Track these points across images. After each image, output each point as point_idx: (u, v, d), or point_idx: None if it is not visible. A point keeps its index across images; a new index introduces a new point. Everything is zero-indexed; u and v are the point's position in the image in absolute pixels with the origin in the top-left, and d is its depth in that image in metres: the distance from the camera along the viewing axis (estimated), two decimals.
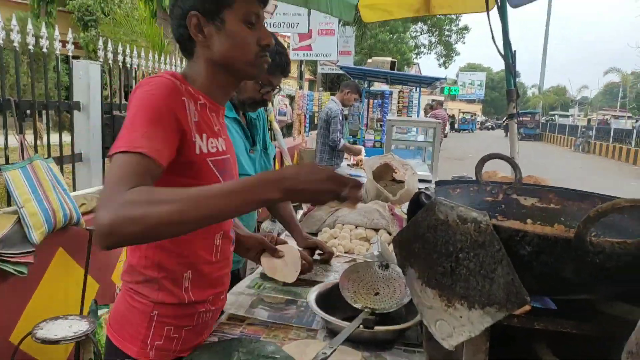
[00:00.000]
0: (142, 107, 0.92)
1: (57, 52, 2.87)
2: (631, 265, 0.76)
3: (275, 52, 1.62)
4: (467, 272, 0.83)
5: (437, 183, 1.26)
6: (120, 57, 3.45)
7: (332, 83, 19.17)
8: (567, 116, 37.59)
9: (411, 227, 0.97)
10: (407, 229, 0.99)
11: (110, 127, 3.45)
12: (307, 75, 18.10)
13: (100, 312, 2.51)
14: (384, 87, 9.89)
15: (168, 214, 0.76)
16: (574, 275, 0.79)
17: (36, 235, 2.27)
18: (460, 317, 0.85)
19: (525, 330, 0.91)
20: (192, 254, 1.07)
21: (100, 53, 3.25)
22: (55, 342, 2.04)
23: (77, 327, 2.15)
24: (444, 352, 0.96)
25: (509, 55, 2.14)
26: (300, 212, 2.37)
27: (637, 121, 27.70)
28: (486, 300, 0.81)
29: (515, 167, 1.25)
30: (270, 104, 7.41)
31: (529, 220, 1.18)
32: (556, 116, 37.91)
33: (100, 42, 3.27)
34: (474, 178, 1.25)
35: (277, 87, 1.72)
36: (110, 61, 3.37)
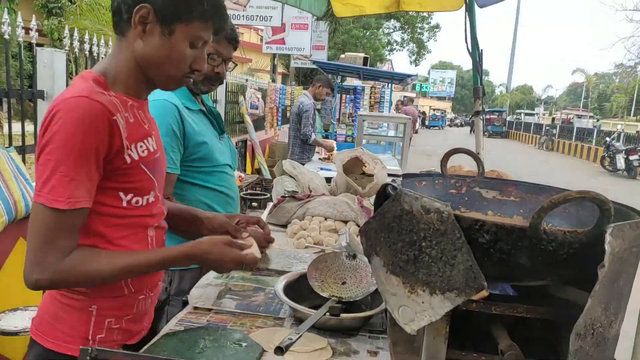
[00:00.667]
0: (71, 147, 0.90)
1: (20, 39, 2.77)
2: (581, 252, 0.81)
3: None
4: (429, 260, 0.86)
5: (404, 176, 1.29)
6: (87, 46, 3.36)
7: (305, 77, 19.11)
8: (533, 115, 38.72)
9: (377, 217, 0.99)
10: (373, 219, 1.01)
11: None
12: (280, 69, 18.00)
13: None
14: (357, 82, 9.94)
15: (100, 280, 1.00)
16: (529, 262, 0.83)
17: None
18: (422, 302, 0.88)
19: (483, 315, 0.96)
20: (127, 248, 1.06)
21: (66, 41, 3.15)
22: (14, 333, 1.99)
23: None
24: (406, 336, 0.99)
25: (476, 53, 2.20)
26: (270, 205, 2.37)
27: (597, 121, 28.83)
28: (447, 286, 0.84)
29: (478, 161, 1.30)
30: (242, 97, 7.35)
31: (489, 212, 1.23)
32: (522, 114, 38.99)
33: (66, 30, 3.17)
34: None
35: (230, 60, 1.67)
36: (76, 50, 3.27)
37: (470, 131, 30.95)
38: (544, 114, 39.17)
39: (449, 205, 0.85)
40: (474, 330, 1.02)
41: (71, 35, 3.19)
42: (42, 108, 3.14)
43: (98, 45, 3.47)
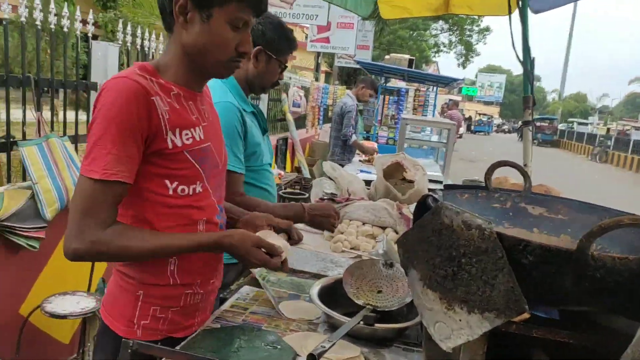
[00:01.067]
0: (109, 121, 0.96)
1: (78, 31, 2.90)
2: (631, 281, 0.77)
3: (289, 31, 1.69)
4: (468, 277, 0.84)
5: (446, 187, 1.27)
6: (138, 40, 3.48)
7: (348, 77, 19.08)
8: (586, 124, 37.02)
9: (416, 230, 0.98)
10: (412, 231, 1.00)
11: None
12: (324, 68, 18.05)
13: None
14: (401, 84, 9.82)
15: (132, 257, 1.05)
16: (574, 287, 0.80)
17: (49, 212, 2.32)
18: (460, 320, 0.86)
19: (523, 337, 0.92)
20: None
21: (120, 35, 3.28)
22: (63, 316, 2.09)
23: (84, 303, 2.20)
24: (442, 353, 0.97)
25: (527, 61, 2.12)
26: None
27: None
28: (486, 306, 0.82)
29: (525, 175, 1.25)
30: (284, 95, 7.42)
31: (535, 230, 1.19)
32: (575, 123, 37.37)
33: (120, 24, 3.30)
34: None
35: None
36: (128, 44, 3.40)
37: (519, 138, 29.97)
38: (598, 124, 37.39)
39: (492, 223, 0.83)
40: (513, 352, 0.98)
41: (124, 30, 3.32)
42: None
43: (149, 39, 3.59)
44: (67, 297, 2.24)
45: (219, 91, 1.56)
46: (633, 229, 1.02)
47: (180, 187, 1.07)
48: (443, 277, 0.89)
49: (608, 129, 30.73)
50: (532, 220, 1.19)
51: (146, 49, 3.60)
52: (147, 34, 3.56)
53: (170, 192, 1.06)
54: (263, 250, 1.11)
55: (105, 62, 3.22)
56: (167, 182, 1.06)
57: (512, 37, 2.09)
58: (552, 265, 0.78)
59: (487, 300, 0.81)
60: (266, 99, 6.57)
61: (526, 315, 0.84)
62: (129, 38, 3.37)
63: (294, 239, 1.84)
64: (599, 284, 0.78)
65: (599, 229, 0.72)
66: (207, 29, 1.03)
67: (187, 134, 1.07)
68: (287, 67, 1.76)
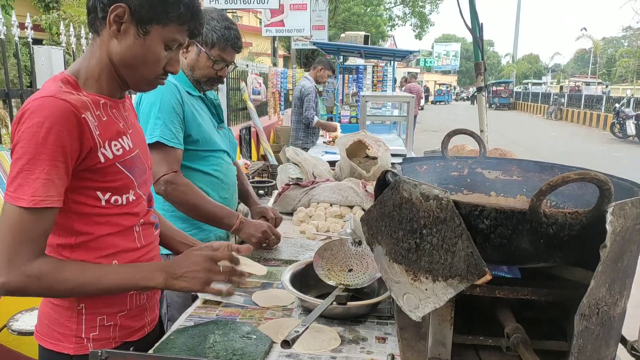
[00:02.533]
0: (37, 146, 0.90)
1: (16, 37, 2.76)
2: (583, 233, 0.80)
3: (225, 27, 1.62)
4: (430, 247, 0.86)
5: (405, 160, 1.28)
6: (83, 41, 3.34)
7: (306, 59, 18.93)
8: (540, 84, 38.08)
9: (378, 206, 0.99)
10: (374, 207, 1.01)
11: None
12: (281, 52, 17.82)
13: None
14: (359, 61, 9.82)
15: (67, 292, 0.99)
16: (531, 245, 0.82)
17: None
18: (426, 289, 0.88)
19: (489, 298, 0.96)
20: (112, 246, 1.06)
21: (63, 37, 3.14)
22: (31, 333, 2.03)
23: None
24: (413, 322, 0.99)
25: (476, 28, 2.15)
26: (275, 192, 2.38)
27: (607, 87, 28.28)
28: (448, 273, 0.84)
29: (479, 141, 1.28)
30: (243, 83, 7.31)
31: (492, 193, 1.22)
32: (529, 84, 38.37)
33: (62, 26, 3.15)
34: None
35: (232, 63, 1.70)
36: (73, 45, 3.26)
37: (471, 104, 30.56)
38: (551, 83, 38.51)
39: (448, 192, 0.84)
40: (481, 313, 1.02)
41: (67, 31, 3.18)
42: None
43: None
44: (35, 312, 2.15)
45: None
46: (585, 184, 1.07)
47: (113, 198, 1.04)
48: (407, 250, 0.91)
49: (561, 87, 31.73)
50: (489, 184, 1.22)
51: None
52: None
53: (103, 204, 1.03)
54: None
55: (50, 66, 3.08)
56: (99, 193, 1.02)
57: (459, 5, 2.11)
58: (507, 227, 0.81)
59: (449, 267, 0.83)
60: (225, 89, 6.45)
61: (488, 277, 0.86)
62: (73, 39, 3.23)
63: (271, 218, 1.81)
64: (554, 239, 0.81)
65: (548, 186, 0.74)
66: (140, 44, 1.00)
67: (116, 145, 1.03)
68: (229, 64, 1.69)
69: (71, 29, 3.22)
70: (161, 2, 0.99)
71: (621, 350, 0.97)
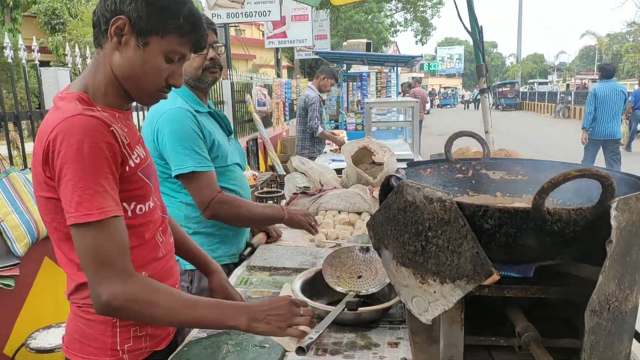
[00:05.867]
0: (83, 162, 0.92)
1: (24, 60, 2.82)
2: (589, 229, 0.80)
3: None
4: (436, 249, 0.87)
5: (409, 165, 1.29)
6: (89, 61, 3.40)
7: (310, 68, 19.04)
8: (546, 83, 37.84)
9: (383, 211, 1.00)
10: (379, 212, 1.01)
11: None
12: (285, 63, 17.95)
13: None
14: (363, 68, 9.86)
15: (160, 317, 0.98)
16: (536, 243, 0.83)
17: (20, 248, 2.26)
18: (434, 292, 0.89)
19: (498, 299, 0.95)
20: (141, 257, 1.08)
21: (69, 58, 3.20)
22: (50, 350, 2.05)
23: None
24: (424, 326, 1.00)
25: (475, 31, 2.16)
26: (283, 202, 2.39)
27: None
28: (456, 274, 0.84)
29: (482, 143, 1.28)
30: (248, 96, 7.37)
31: (498, 193, 1.22)
32: (535, 84, 38.17)
33: (67, 47, 3.22)
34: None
35: (216, 44, 1.67)
36: (79, 66, 3.32)
37: (474, 107, 30.46)
38: (557, 82, 38.28)
39: (451, 194, 0.85)
40: (491, 314, 1.02)
41: (72, 52, 3.23)
42: None
43: None
44: (52, 330, 2.19)
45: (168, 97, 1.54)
46: (588, 181, 1.07)
47: (138, 207, 1.06)
48: (413, 253, 0.91)
49: (567, 85, 31.50)
50: (494, 185, 1.22)
51: None
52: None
53: (130, 214, 1.05)
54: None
55: (57, 88, 3.14)
56: (126, 204, 1.03)
57: (457, 10, 2.13)
58: (512, 226, 0.81)
59: (456, 268, 0.84)
60: (230, 102, 6.51)
61: (496, 277, 0.86)
62: (78, 60, 3.29)
63: (272, 236, 1.90)
64: (559, 237, 0.81)
65: (550, 184, 0.75)
66: (140, 55, 1.01)
67: (135, 154, 1.06)
68: (213, 45, 1.65)
69: (77, 49, 3.28)
70: (159, 13, 1.00)
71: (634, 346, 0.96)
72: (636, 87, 19.41)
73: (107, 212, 0.92)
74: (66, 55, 3.20)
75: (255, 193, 4.19)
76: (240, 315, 1.00)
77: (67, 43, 3.33)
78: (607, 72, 6.58)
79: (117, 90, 1.05)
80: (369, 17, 24.22)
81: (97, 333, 1.07)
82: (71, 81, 3.24)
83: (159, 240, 1.13)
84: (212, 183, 1.59)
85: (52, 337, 2.12)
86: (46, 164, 0.95)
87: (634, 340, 0.97)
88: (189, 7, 1.03)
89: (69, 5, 13.89)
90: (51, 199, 0.98)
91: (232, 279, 1.57)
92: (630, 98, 11.09)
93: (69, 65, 3.21)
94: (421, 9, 26.39)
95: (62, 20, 13.72)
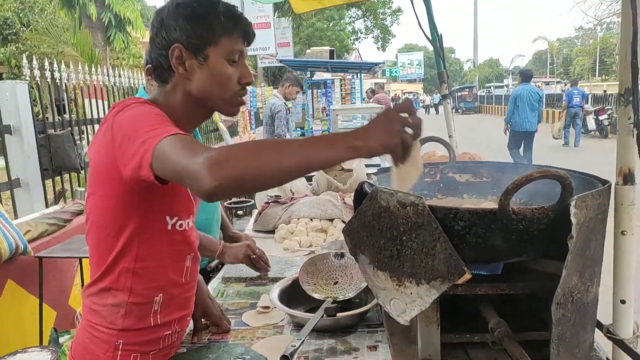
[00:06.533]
0: (147, 115, 0.92)
1: None
2: (551, 226, 0.85)
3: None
4: (411, 252, 0.90)
5: (380, 171, 1.32)
6: (48, 73, 3.31)
7: (274, 76, 19.06)
8: (502, 87, 39.22)
9: (358, 217, 1.03)
10: (354, 218, 1.04)
11: (46, 148, 3.31)
12: None
13: (61, 340, 2.43)
14: (326, 75, 9.97)
15: (266, 161, 0.80)
16: (504, 241, 0.87)
17: None
18: (411, 293, 0.92)
19: (471, 297, 1.00)
20: (164, 277, 1.07)
21: (26, 71, 3.11)
22: None
23: (38, 358, 2.08)
24: (402, 327, 1.03)
25: (435, 39, 2.24)
26: (255, 212, 2.39)
27: (565, 85, 29.38)
28: (431, 275, 0.88)
29: (448, 147, 1.34)
30: None
31: (465, 195, 1.27)
32: (492, 88, 39.47)
33: (24, 59, 3.12)
34: None
35: None
36: (37, 78, 3.22)
37: (436, 113, 31.34)
38: (513, 85, 39.74)
39: (423, 198, 0.89)
40: (465, 312, 1.06)
41: (30, 64, 3.14)
42: (11, 142, 3.09)
43: (59, 70, 3.42)
44: (18, 355, 2.10)
45: None
46: (547, 181, 1.13)
47: (178, 222, 1.05)
48: (389, 257, 0.94)
49: None
50: (460, 187, 1.28)
51: (57, 80, 3.42)
52: (56, 65, 3.39)
53: (169, 228, 1.04)
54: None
55: (15, 101, 3.04)
56: (168, 217, 1.03)
57: (417, 18, 2.20)
58: (481, 226, 0.86)
59: (430, 269, 0.87)
60: None
61: (468, 276, 0.91)
62: (37, 72, 3.20)
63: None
64: (524, 234, 0.86)
65: (514, 185, 0.80)
66: (206, 70, 1.02)
67: None
68: None
69: (34, 61, 3.18)
70: (202, 24, 1.01)
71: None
72: (586, 88, 20.38)
73: (172, 132, 0.85)
74: (20, 66, 3.11)
75: (225, 203, 4.15)
76: (346, 138, 0.84)
77: (23, 55, 3.22)
78: (526, 77, 8.07)
79: (195, 114, 1.07)
80: (331, 25, 24.50)
81: (99, 351, 1.05)
82: (30, 95, 3.15)
83: (187, 265, 1.11)
84: None
85: None
86: (104, 132, 0.95)
87: (596, 330, 1.04)
88: (223, 4, 1.04)
89: (21, 15, 13.40)
90: (103, 196, 0.99)
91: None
92: (564, 98, 13.56)
93: (27, 77, 3.12)
94: (381, 16, 26.92)
95: (14, 30, 13.22)
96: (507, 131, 8.06)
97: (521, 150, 7.86)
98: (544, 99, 22.24)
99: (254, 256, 1.60)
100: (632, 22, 1.03)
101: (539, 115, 7.78)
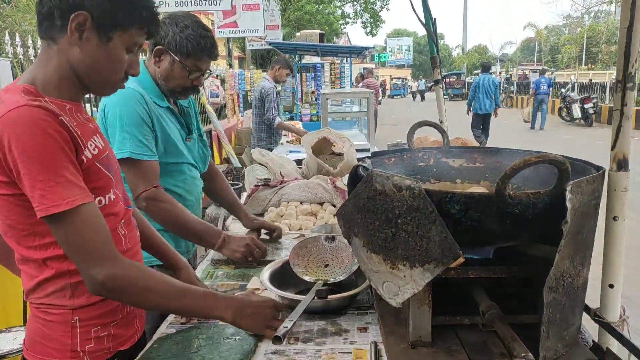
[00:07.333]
0: (34, 156, 0.89)
1: None
2: (546, 211, 0.86)
3: (200, 35, 1.57)
4: (406, 235, 0.90)
5: (374, 154, 1.32)
6: (31, 51, 3.22)
7: (262, 59, 18.84)
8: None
9: (352, 200, 1.02)
10: (348, 201, 1.04)
11: None
12: (236, 53, 17.64)
13: None
14: (316, 59, 9.87)
15: (152, 302, 1.04)
16: (499, 225, 0.88)
17: None
18: (404, 276, 0.92)
19: (463, 280, 1.01)
20: None
21: (9, 48, 3.01)
22: (1, 357, 1.95)
23: (22, 337, 2.06)
24: (392, 309, 1.03)
25: (429, 23, 2.22)
26: (244, 195, 2.38)
27: (552, 73, 29.60)
28: (425, 258, 0.88)
29: (442, 132, 1.34)
30: (200, 87, 7.20)
31: (458, 180, 1.28)
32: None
33: (7, 36, 3.02)
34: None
35: (207, 71, 1.68)
36: (20, 55, 3.13)
37: (422, 99, 31.46)
38: (500, 72, 39.89)
39: (419, 181, 0.88)
40: (457, 295, 1.07)
41: (12, 42, 3.05)
42: None
43: None
44: (2, 335, 2.08)
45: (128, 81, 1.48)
46: (542, 166, 1.14)
47: (97, 199, 1.03)
48: (384, 240, 0.94)
49: (510, 75, 32.88)
50: (454, 172, 1.28)
51: None
52: (40, 42, 3.29)
53: None
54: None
55: None
56: None
57: (411, 2, 2.17)
58: (477, 210, 0.86)
59: (425, 252, 0.87)
60: None
61: (461, 260, 0.91)
62: (20, 49, 3.10)
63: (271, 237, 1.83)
64: (520, 219, 0.87)
65: (512, 170, 0.80)
66: (104, 50, 0.99)
67: (91, 145, 1.03)
68: (204, 73, 1.64)
69: (17, 38, 3.09)
70: (124, 9, 0.98)
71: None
72: (572, 77, 20.55)
73: (73, 202, 0.91)
74: (4, 44, 3.01)
75: None
76: (228, 308, 1.10)
77: (6, 32, 3.12)
78: (486, 68, 10.36)
79: (73, 83, 1.02)
80: (320, 8, 24.21)
81: (57, 334, 1.04)
82: (12, 73, 3.06)
83: (121, 233, 1.10)
84: (148, 174, 1.50)
85: (4, 342, 2.02)
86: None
87: (584, 313, 1.05)
88: None
89: None
90: (4, 196, 0.94)
91: (198, 273, 1.55)
92: (532, 85, 15.46)
93: (10, 55, 3.03)
94: (371, 0, 26.68)
95: None
96: (469, 112, 9.82)
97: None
98: (515, 87, 22.97)
99: (250, 258, 1.61)
100: (629, 9, 1.03)
101: (496, 100, 9.63)
